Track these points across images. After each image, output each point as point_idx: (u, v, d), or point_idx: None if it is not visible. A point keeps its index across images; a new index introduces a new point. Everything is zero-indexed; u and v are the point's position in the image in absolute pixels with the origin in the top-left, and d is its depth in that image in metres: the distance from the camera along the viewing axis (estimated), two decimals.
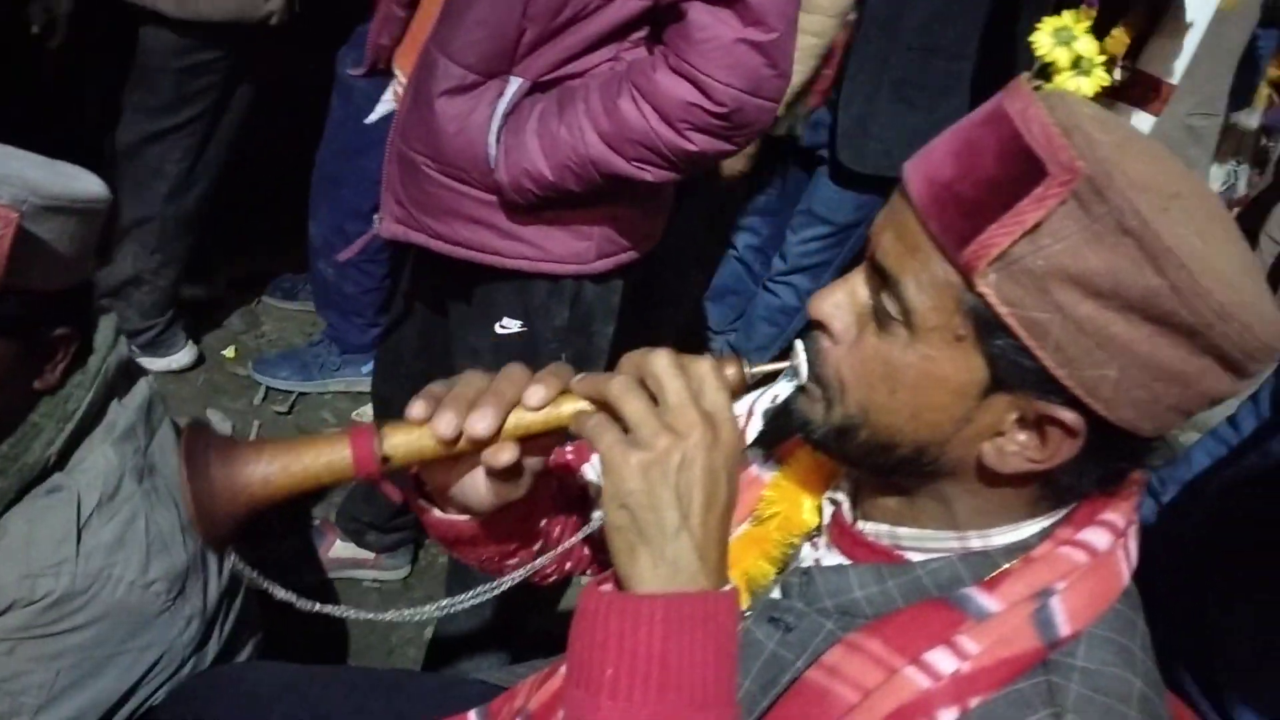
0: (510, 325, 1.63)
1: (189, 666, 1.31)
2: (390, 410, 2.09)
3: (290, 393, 2.70)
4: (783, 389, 0.86)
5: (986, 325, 0.71)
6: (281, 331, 2.90)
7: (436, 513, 0.92)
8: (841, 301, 0.80)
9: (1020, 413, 0.74)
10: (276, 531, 2.34)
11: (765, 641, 0.87)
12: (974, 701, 0.74)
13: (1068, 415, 0.72)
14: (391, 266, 2.54)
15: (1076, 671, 0.75)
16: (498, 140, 1.43)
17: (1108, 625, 0.77)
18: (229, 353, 2.73)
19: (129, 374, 1.27)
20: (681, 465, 0.72)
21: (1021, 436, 0.75)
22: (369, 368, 2.66)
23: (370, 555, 2.33)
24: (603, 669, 0.71)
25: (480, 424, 0.77)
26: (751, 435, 1.05)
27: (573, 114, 1.40)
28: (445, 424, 0.77)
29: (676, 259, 2.52)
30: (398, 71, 1.67)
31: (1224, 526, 1.20)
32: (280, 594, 0.84)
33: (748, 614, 0.91)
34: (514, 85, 1.43)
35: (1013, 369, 0.72)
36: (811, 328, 0.83)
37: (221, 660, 1.37)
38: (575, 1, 1.38)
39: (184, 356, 2.63)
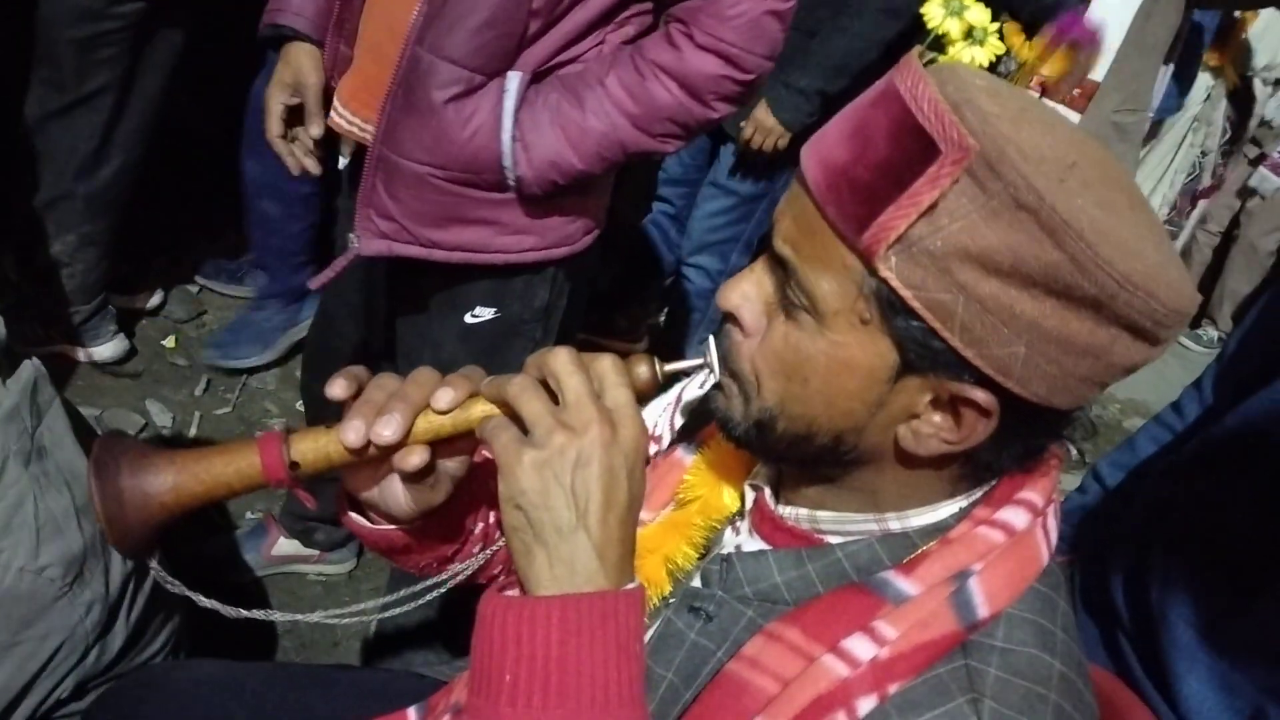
0: (483, 314, 1.63)
1: (93, 654, 1.28)
2: (322, 406, 2.06)
3: (240, 373, 2.67)
4: (707, 380, 0.85)
5: (891, 309, 0.70)
6: (223, 319, 2.85)
7: (366, 524, 0.91)
8: (749, 292, 0.79)
9: (933, 394, 0.73)
10: (217, 524, 2.31)
11: (686, 632, 0.85)
12: (893, 688, 0.73)
13: (980, 395, 0.71)
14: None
15: (995, 653, 0.74)
16: (514, 138, 1.44)
17: (1027, 606, 0.76)
18: (169, 343, 2.68)
19: (10, 355, 1.23)
20: (577, 463, 0.71)
21: (936, 418, 0.74)
22: (307, 311, 2.69)
23: (315, 552, 2.30)
24: (501, 675, 0.69)
25: (386, 430, 0.77)
26: (678, 423, 1.04)
27: (596, 102, 1.43)
28: (352, 432, 0.77)
29: None
30: (344, 110, 1.61)
31: (1167, 511, 1.20)
32: (204, 602, 0.83)
33: (670, 601, 0.90)
34: (515, 80, 1.43)
35: (921, 351, 0.71)
36: (723, 320, 0.82)
37: (131, 645, 1.34)
38: None
39: (108, 349, 2.53)
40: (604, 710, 0.69)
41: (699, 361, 0.83)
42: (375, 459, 0.80)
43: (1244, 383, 1.26)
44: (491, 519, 1.01)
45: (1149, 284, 0.66)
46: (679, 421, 1.05)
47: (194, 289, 2.89)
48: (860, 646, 0.74)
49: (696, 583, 0.89)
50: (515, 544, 0.72)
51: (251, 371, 2.69)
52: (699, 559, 0.91)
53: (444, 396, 0.78)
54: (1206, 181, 4.35)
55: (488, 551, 0.94)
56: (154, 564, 0.83)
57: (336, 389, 0.80)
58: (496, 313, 1.64)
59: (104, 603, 1.26)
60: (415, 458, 0.79)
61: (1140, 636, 1.18)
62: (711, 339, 0.82)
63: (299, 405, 2.67)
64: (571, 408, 0.72)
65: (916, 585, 0.76)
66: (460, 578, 0.93)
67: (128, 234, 2.56)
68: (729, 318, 0.80)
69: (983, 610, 0.74)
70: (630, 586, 0.73)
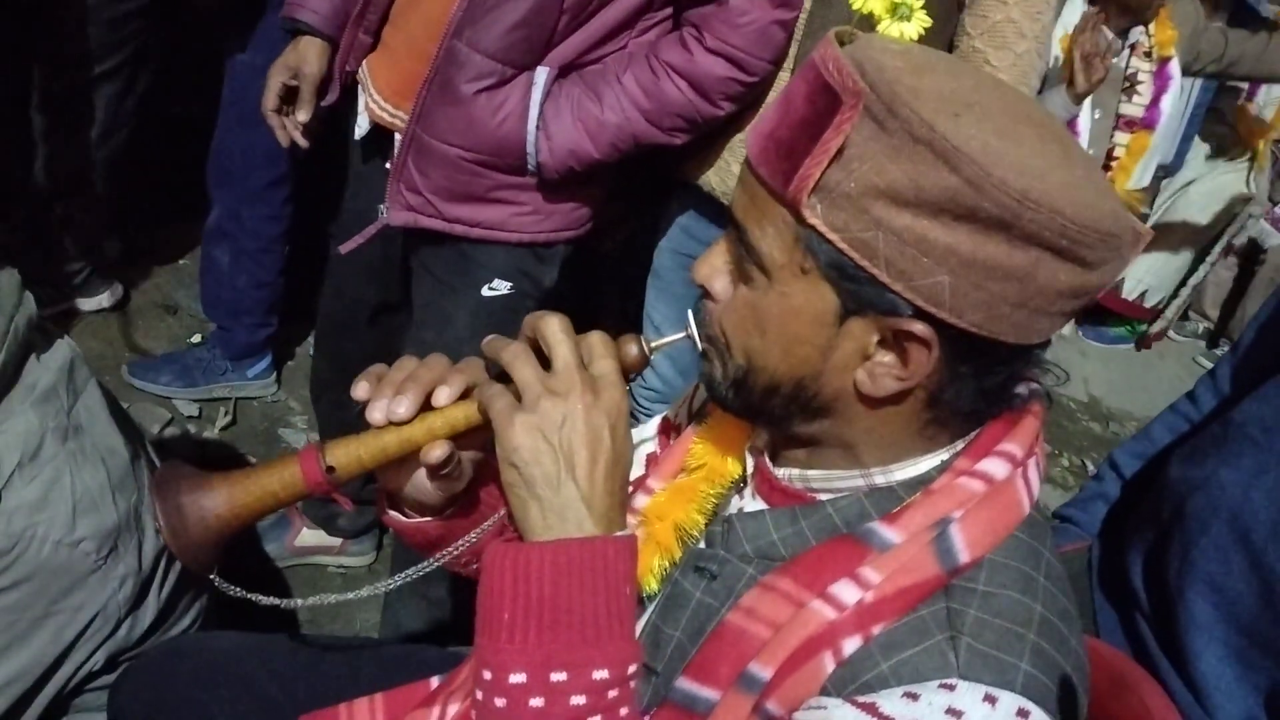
0: (500, 287, 1.73)
1: (125, 627, 1.31)
2: (329, 385, 2.14)
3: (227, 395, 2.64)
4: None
5: (823, 254, 0.75)
6: None
7: (403, 519, 0.98)
8: (716, 264, 0.85)
9: (880, 334, 0.77)
10: None
11: (692, 591, 0.89)
12: (876, 629, 0.76)
13: (917, 326, 0.75)
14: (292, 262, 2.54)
15: (976, 596, 0.77)
16: (538, 127, 1.56)
17: (1009, 553, 0.79)
18: (196, 340, 2.72)
19: (45, 332, 1.26)
20: (563, 424, 0.78)
21: (886, 358, 0.78)
22: (256, 370, 2.62)
23: (337, 542, 2.34)
24: (500, 614, 0.75)
25: (400, 409, 0.85)
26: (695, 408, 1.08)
27: (613, 98, 1.56)
28: (377, 411, 0.86)
29: None
30: (380, 100, 1.72)
31: (1187, 492, 1.21)
32: (265, 601, 0.92)
33: (675, 567, 0.93)
34: (544, 75, 1.55)
35: (857, 291, 0.76)
36: (702, 296, 0.89)
37: (161, 621, 1.36)
38: None
39: (107, 298, 2.69)
40: (595, 644, 0.75)
41: (681, 335, 0.90)
42: (400, 455, 0.88)
43: (1260, 371, 1.27)
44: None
45: (1052, 201, 0.69)
46: (696, 403, 1.09)
47: None
48: (846, 591, 0.78)
49: (702, 544, 0.94)
50: (512, 499, 0.79)
51: (276, 368, 2.72)
52: (707, 524, 0.95)
53: (442, 394, 0.86)
54: (1241, 240, 4.35)
55: (484, 526, 0.99)
56: (215, 577, 0.90)
57: (360, 391, 0.87)
58: (512, 288, 1.73)
59: (136, 577, 1.28)
60: (437, 451, 0.86)
61: (1158, 616, 1.19)
62: (691, 313, 0.89)
63: None
64: (559, 374, 0.79)
65: (900, 533, 0.80)
66: (461, 549, 0.98)
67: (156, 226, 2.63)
68: (702, 290, 0.87)
69: (963, 556, 0.78)
70: (619, 534, 0.79)
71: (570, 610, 0.74)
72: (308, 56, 1.75)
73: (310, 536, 2.32)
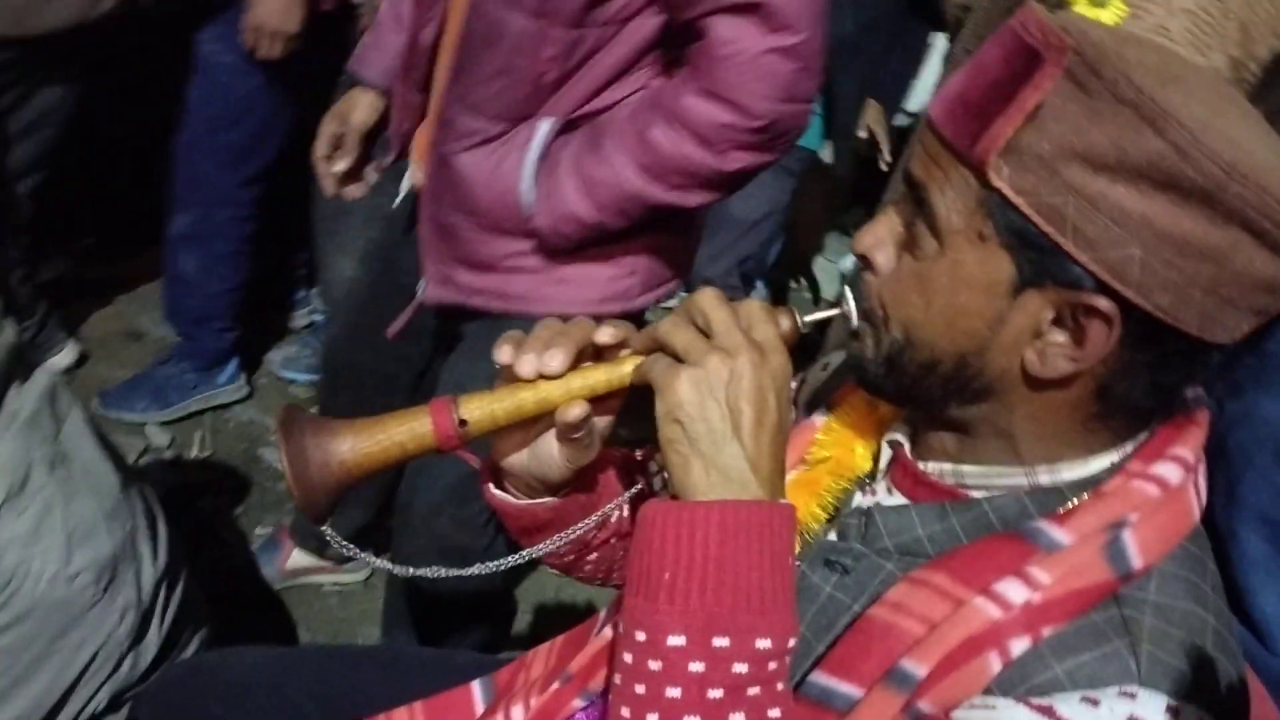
0: None
1: (127, 663, 1.26)
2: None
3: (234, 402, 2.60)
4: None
5: (1006, 219, 0.72)
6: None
7: (511, 499, 0.93)
8: (881, 234, 0.82)
9: (1055, 310, 0.74)
10: (229, 540, 2.28)
11: (821, 585, 0.86)
12: (1046, 631, 0.73)
13: (1101, 302, 0.71)
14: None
15: (1149, 605, 0.74)
16: (534, 186, 1.40)
17: (1178, 562, 0.77)
18: None
19: (24, 360, 1.21)
20: (730, 380, 0.74)
21: (1060, 337, 0.75)
22: (225, 376, 2.58)
23: (329, 563, 2.28)
24: (660, 574, 0.72)
25: (553, 361, 0.81)
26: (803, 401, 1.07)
27: (606, 150, 1.36)
28: (526, 364, 0.81)
29: None
30: (414, 162, 1.65)
31: (1229, 429, 1.19)
32: (378, 563, 0.91)
33: (799, 562, 0.89)
34: (544, 126, 1.40)
35: (1038, 260, 0.72)
36: (861, 268, 0.85)
37: (164, 656, 1.32)
38: (588, 36, 1.34)
39: (65, 357, 2.54)
40: (759, 611, 0.71)
41: (837, 310, 0.86)
42: (537, 414, 0.84)
43: None
44: (618, 513, 1.01)
45: (1260, 176, 0.66)
46: (804, 399, 1.06)
47: None
48: (1013, 590, 0.74)
49: (832, 537, 0.90)
50: (673, 457, 0.75)
51: (250, 387, 2.66)
52: (827, 520, 0.92)
53: (604, 333, 0.82)
54: None
55: (591, 520, 0.95)
56: (327, 529, 0.87)
57: (503, 354, 0.83)
58: None
59: (137, 609, 1.24)
60: (576, 410, 0.82)
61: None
62: (848, 288, 0.85)
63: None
64: (722, 335, 0.76)
65: (1069, 535, 0.76)
66: (564, 542, 0.94)
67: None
68: (863, 261, 0.83)
69: (1136, 562, 0.75)
70: (783, 502, 0.76)
71: (736, 573, 0.71)
72: (357, 105, 1.71)
73: (302, 557, 2.26)
